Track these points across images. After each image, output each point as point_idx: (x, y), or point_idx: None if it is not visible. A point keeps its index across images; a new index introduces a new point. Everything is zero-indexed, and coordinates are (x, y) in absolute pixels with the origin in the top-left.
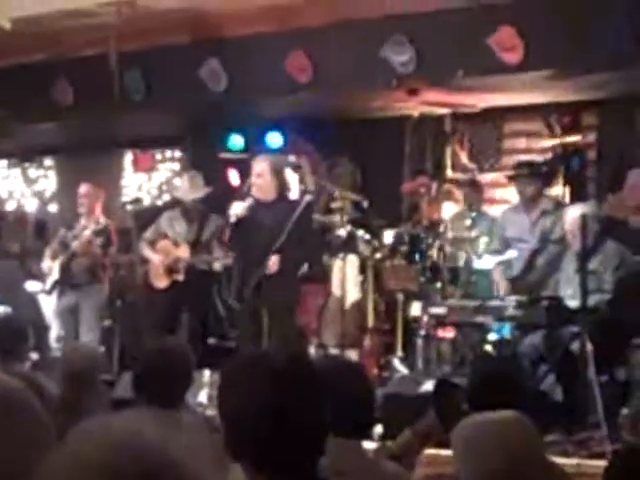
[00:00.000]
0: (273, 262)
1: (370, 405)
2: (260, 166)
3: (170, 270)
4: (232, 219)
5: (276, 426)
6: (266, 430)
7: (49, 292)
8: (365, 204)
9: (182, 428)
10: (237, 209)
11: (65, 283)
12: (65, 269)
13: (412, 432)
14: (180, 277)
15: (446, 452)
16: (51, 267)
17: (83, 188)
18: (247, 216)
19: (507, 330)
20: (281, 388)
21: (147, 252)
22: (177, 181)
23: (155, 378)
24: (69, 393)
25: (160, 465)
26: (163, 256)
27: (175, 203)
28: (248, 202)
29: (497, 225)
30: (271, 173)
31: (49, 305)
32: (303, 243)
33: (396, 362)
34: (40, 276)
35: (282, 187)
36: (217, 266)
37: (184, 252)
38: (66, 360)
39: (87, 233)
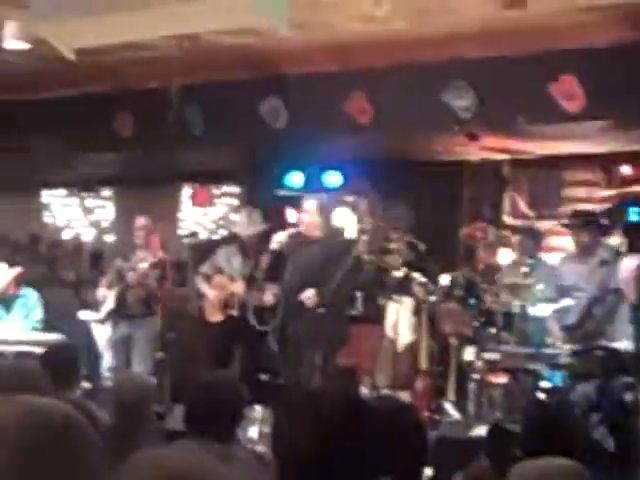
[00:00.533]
0: (308, 296)
1: (422, 448)
2: (309, 203)
3: (225, 305)
4: (274, 245)
5: (326, 466)
6: (317, 470)
7: (103, 322)
8: (421, 247)
9: (233, 462)
10: (280, 237)
11: (120, 314)
12: (120, 300)
13: (464, 477)
14: (234, 312)
15: None
16: (106, 296)
17: (139, 221)
18: (289, 249)
19: (560, 378)
20: (330, 429)
21: (202, 286)
22: (234, 216)
23: (206, 412)
24: (121, 423)
25: None
26: (218, 291)
27: (232, 238)
28: (290, 231)
29: (554, 273)
30: (318, 212)
31: (101, 334)
32: (349, 281)
33: (447, 406)
34: (94, 305)
35: (328, 227)
36: (268, 300)
37: (239, 287)
38: (118, 390)
39: (143, 266)
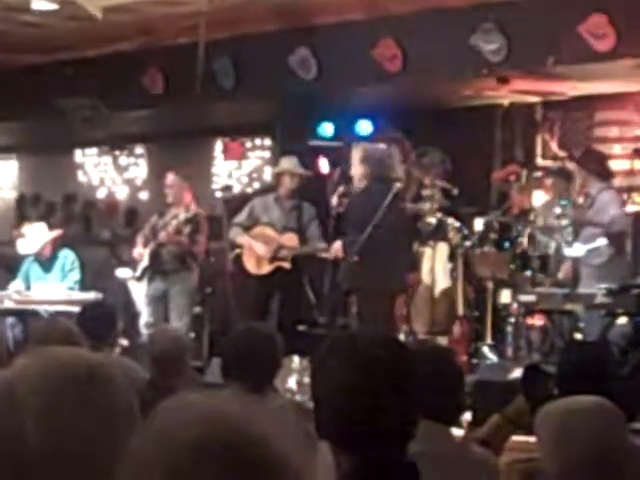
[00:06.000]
0: (335, 248)
1: (460, 390)
2: (353, 153)
3: (273, 258)
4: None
5: (364, 406)
6: (354, 410)
7: (139, 279)
8: (455, 192)
9: (268, 411)
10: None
11: (155, 270)
12: (154, 256)
13: (501, 417)
14: (286, 265)
15: (534, 438)
16: (142, 254)
17: (168, 178)
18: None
19: (596, 318)
20: (369, 369)
21: (244, 239)
22: (267, 169)
23: (243, 362)
24: (158, 377)
25: (244, 438)
26: (264, 243)
27: (267, 190)
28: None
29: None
30: (361, 161)
31: (139, 292)
32: (395, 230)
33: (485, 349)
34: (130, 263)
35: (374, 175)
36: (334, 253)
37: (291, 240)
38: (153, 344)
39: (175, 222)
